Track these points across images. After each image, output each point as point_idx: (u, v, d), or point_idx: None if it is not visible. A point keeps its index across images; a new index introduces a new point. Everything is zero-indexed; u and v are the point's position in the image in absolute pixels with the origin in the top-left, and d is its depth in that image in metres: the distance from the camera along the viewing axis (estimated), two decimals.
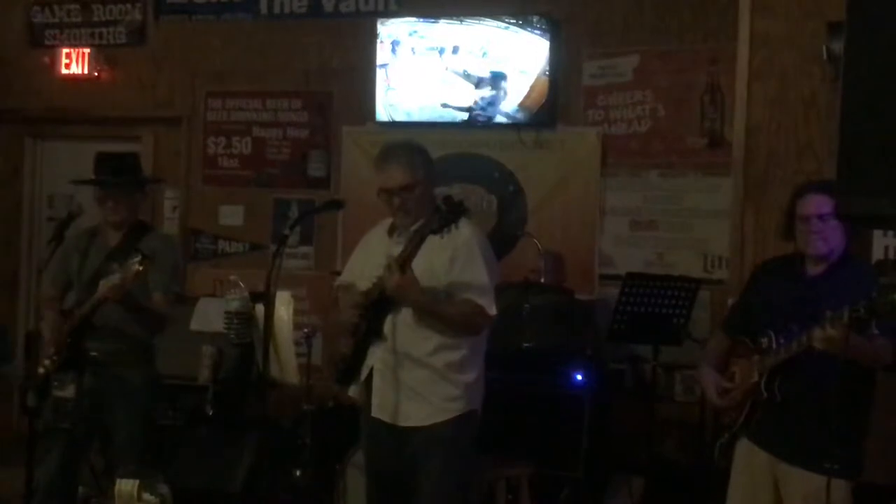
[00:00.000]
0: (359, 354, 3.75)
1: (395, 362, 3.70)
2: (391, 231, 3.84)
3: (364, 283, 3.79)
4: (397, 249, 3.67)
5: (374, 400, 3.77)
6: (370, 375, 3.77)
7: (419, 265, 3.59)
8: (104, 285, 4.08)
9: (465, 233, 3.65)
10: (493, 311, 3.71)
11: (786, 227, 3.67)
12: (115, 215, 4.48)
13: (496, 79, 6.25)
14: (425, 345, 3.69)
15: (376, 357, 3.74)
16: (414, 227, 3.69)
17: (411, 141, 4.00)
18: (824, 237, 3.55)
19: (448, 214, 3.49)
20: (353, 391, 3.83)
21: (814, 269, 3.62)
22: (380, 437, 3.81)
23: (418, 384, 3.70)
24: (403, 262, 3.54)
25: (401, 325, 3.68)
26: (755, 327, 3.67)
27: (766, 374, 3.55)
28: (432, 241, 3.54)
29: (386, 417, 3.76)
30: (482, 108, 6.28)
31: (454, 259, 3.66)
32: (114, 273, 4.06)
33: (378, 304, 3.69)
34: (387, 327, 3.70)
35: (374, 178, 3.85)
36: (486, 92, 6.27)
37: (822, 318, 3.31)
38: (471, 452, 3.84)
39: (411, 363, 3.69)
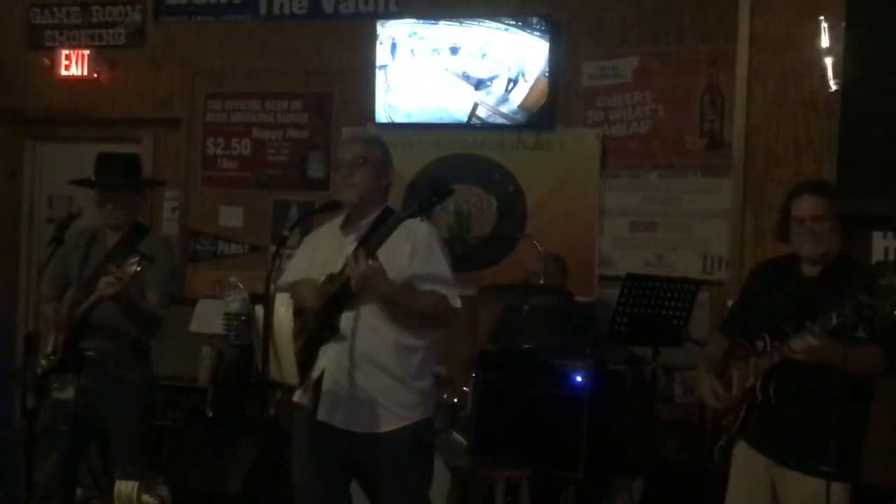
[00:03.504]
0: (309, 354, 3.60)
1: (350, 364, 3.57)
2: (344, 226, 3.76)
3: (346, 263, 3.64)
4: (352, 244, 3.59)
5: (324, 403, 3.61)
6: (320, 377, 3.61)
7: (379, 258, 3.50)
8: (102, 285, 4.08)
9: (423, 228, 3.61)
10: (457, 303, 3.63)
11: (781, 228, 3.67)
12: (114, 217, 4.48)
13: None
14: (384, 348, 3.58)
15: (330, 358, 3.60)
16: (365, 221, 3.66)
17: (379, 137, 4.05)
18: (818, 239, 3.54)
19: (432, 197, 3.43)
20: (298, 396, 3.63)
21: (809, 271, 3.62)
22: (322, 438, 3.65)
23: (375, 389, 3.58)
24: (371, 250, 3.45)
25: (359, 326, 3.57)
26: (752, 329, 3.67)
27: (760, 377, 3.54)
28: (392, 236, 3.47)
29: (336, 422, 3.61)
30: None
31: (414, 252, 3.59)
32: (112, 273, 4.06)
33: (334, 300, 3.57)
34: (343, 326, 3.58)
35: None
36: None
37: (802, 328, 3.33)
38: (428, 461, 3.75)
39: (368, 366, 3.57)
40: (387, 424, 3.60)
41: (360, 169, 3.70)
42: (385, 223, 3.55)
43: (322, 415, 3.64)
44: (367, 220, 3.69)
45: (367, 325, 3.57)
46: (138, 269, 3.99)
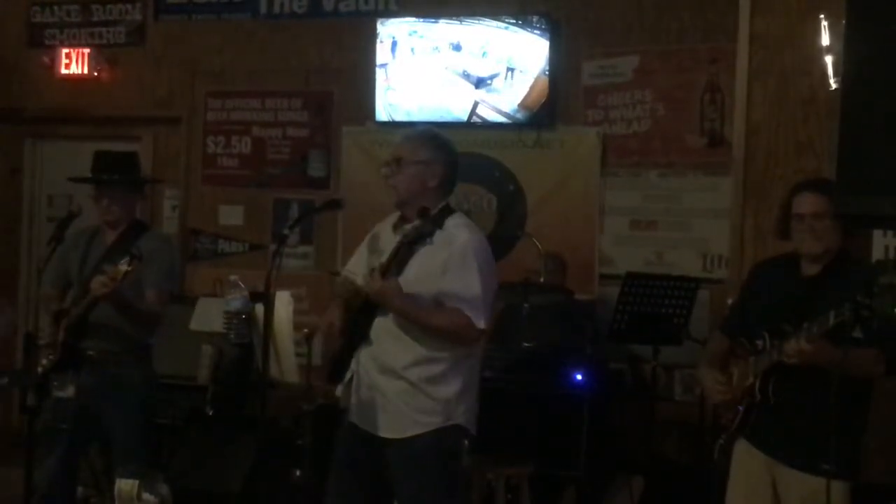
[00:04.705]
0: (346, 355, 3.65)
1: (374, 369, 3.60)
2: (396, 226, 3.71)
3: (362, 278, 3.70)
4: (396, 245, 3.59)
5: (353, 405, 3.66)
6: (353, 378, 3.67)
7: (411, 268, 3.49)
8: (95, 285, 4.09)
9: (461, 237, 3.54)
10: (481, 324, 3.54)
11: (782, 226, 3.67)
12: (109, 214, 4.49)
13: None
14: (403, 356, 3.56)
15: (357, 361, 3.64)
16: (410, 224, 3.58)
17: (441, 135, 3.80)
18: (819, 236, 3.54)
19: (421, 227, 3.39)
20: (339, 391, 3.73)
21: (810, 269, 3.61)
22: (355, 441, 3.69)
23: (394, 395, 3.57)
24: (384, 270, 3.45)
25: (382, 333, 3.57)
26: (752, 328, 3.66)
27: (760, 376, 3.54)
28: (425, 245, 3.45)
29: (362, 424, 3.65)
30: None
31: (447, 265, 3.52)
32: (105, 273, 4.06)
33: (367, 307, 3.59)
34: (372, 333, 3.60)
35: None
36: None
37: (798, 329, 3.32)
38: (450, 468, 3.65)
39: (388, 373, 3.58)
40: (406, 430, 3.58)
41: (398, 170, 3.63)
42: (403, 241, 3.50)
43: (351, 416, 3.69)
44: (414, 224, 3.57)
45: (391, 332, 3.58)
46: (129, 269, 3.98)
